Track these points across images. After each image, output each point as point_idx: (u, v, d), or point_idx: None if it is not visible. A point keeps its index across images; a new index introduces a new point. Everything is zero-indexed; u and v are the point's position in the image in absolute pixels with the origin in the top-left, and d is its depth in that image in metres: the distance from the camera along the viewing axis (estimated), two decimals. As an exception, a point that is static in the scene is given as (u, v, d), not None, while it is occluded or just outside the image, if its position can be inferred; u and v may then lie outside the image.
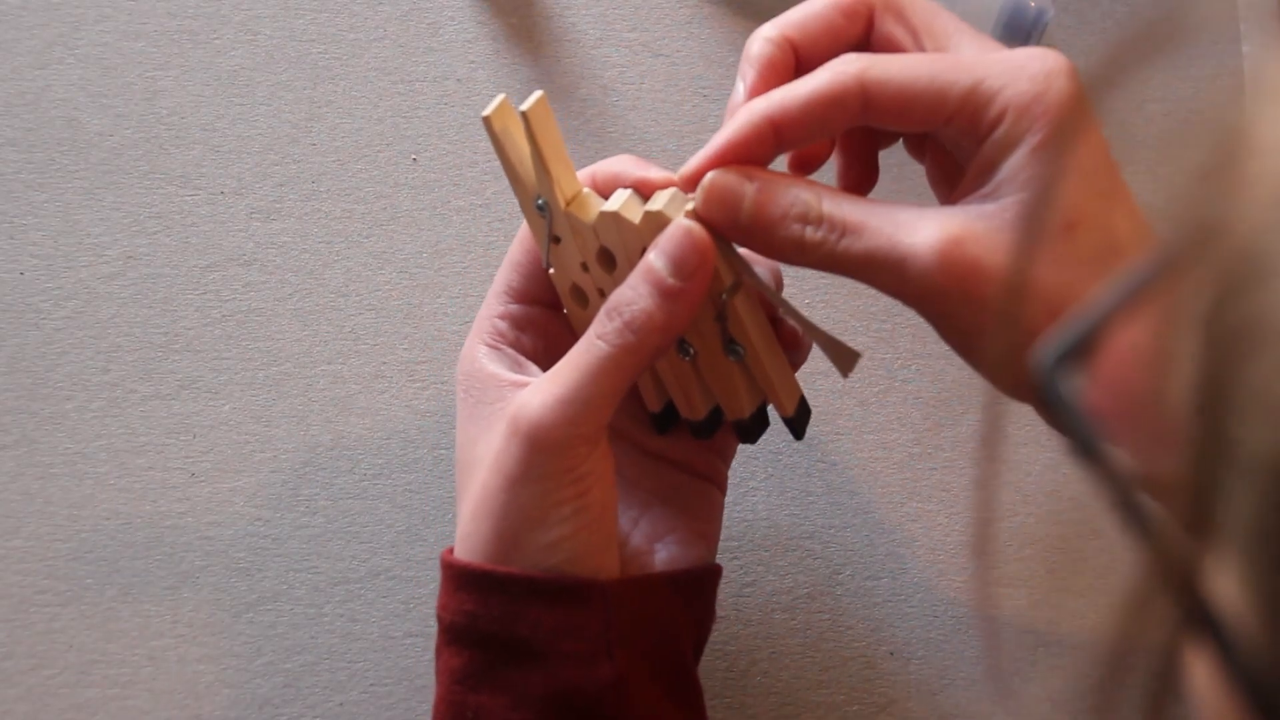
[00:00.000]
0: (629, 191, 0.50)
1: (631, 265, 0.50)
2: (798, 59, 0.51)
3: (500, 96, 0.51)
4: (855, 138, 0.54)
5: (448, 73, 0.68)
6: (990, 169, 0.47)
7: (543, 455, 0.49)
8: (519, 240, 0.54)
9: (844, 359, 0.50)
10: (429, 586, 0.61)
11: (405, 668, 0.60)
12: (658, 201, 0.49)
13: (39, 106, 0.67)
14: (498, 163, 0.66)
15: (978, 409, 0.63)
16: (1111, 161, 0.47)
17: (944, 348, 0.64)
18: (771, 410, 0.54)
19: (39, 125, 0.67)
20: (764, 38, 0.51)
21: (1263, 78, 0.26)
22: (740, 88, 0.51)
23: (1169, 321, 0.26)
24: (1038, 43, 0.65)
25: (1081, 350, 0.28)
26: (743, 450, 0.62)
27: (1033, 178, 0.45)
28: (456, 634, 0.51)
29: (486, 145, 0.66)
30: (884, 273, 0.47)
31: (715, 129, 0.49)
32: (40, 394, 0.63)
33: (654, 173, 0.51)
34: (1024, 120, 0.46)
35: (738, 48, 0.68)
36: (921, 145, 0.53)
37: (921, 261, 0.46)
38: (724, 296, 0.50)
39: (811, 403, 0.63)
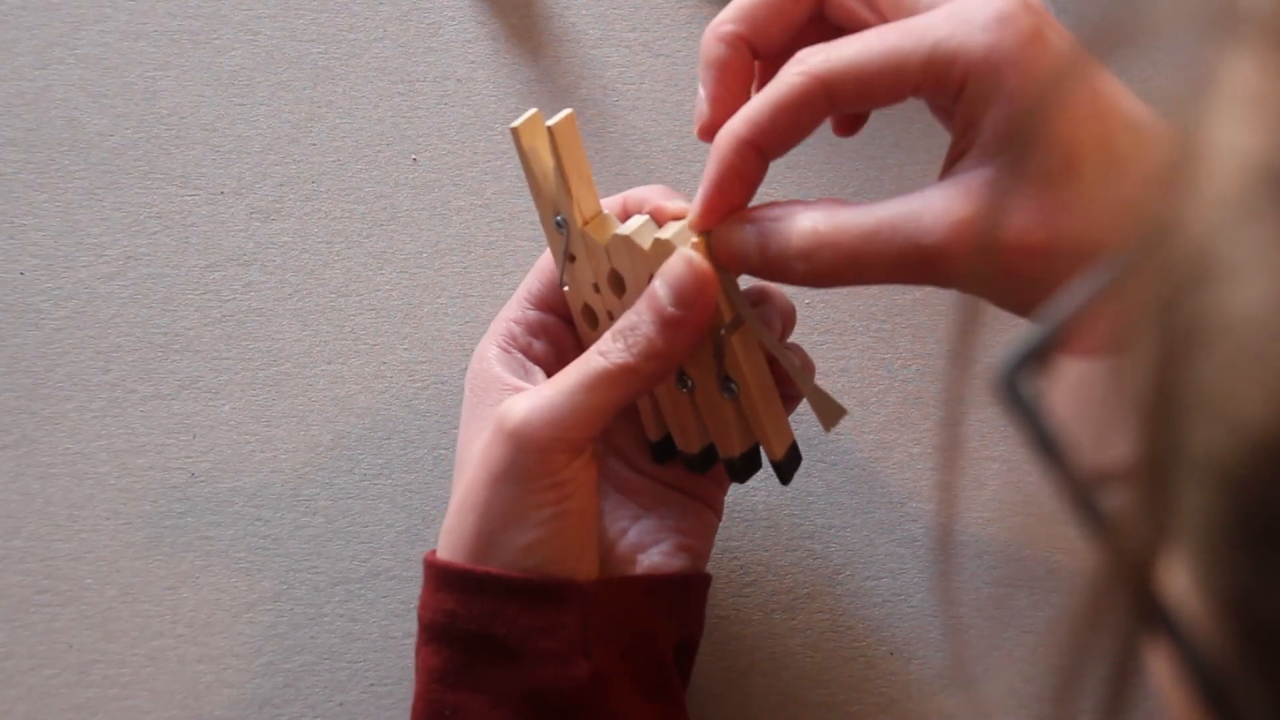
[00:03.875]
0: (645, 218, 0.51)
1: (640, 291, 0.50)
2: (753, 51, 0.50)
3: (533, 110, 0.51)
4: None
5: (448, 73, 0.68)
6: (972, 128, 0.45)
7: (526, 455, 0.49)
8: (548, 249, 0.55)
9: (829, 413, 0.50)
10: (429, 586, 0.61)
11: (405, 668, 0.60)
12: (668, 230, 0.50)
13: (39, 106, 0.67)
14: (497, 163, 0.66)
15: (977, 409, 0.63)
16: (1094, 75, 0.45)
17: (944, 347, 0.64)
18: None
19: (39, 125, 0.67)
20: (716, 38, 0.50)
21: (1213, 78, 0.26)
22: (702, 95, 0.51)
23: (1123, 322, 0.26)
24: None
25: (1042, 353, 0.29)
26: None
27: (1010, 131, 0.44)
28: (435, 633, 0.52)
29: (486, 146, 0.66)
30: (913, 273, 0.47)
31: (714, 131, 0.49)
32: (40, 394, 0.63)
33: (673, 204, 0.51)
34: (989, 76, 0.44)
35: (738, 48, 0.68)
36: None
37: (947, 253, 0.45)
38: (722, 333, 0.50)
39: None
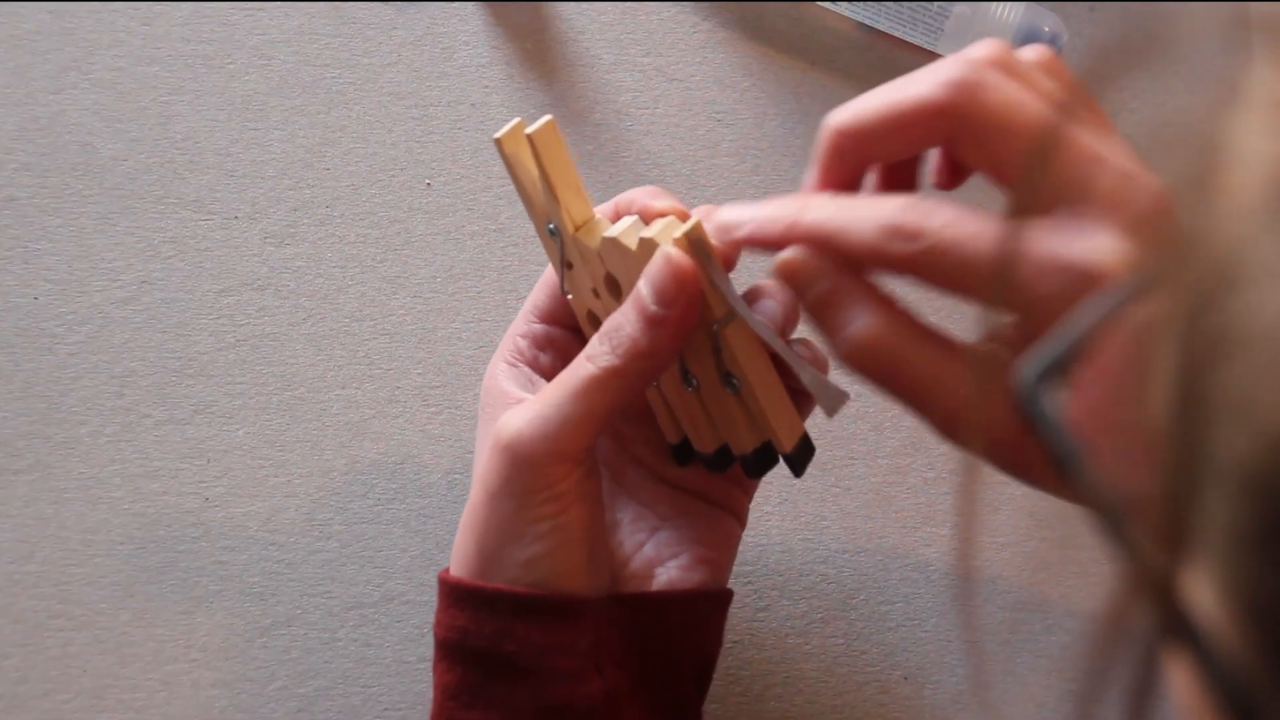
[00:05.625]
0: (633, 218, 0.50)
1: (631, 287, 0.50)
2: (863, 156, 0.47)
3: (515, 120, 0.51)
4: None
5: (462, 97, 0.68)
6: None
7: (520, 470, 0.49)
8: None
9: (831, 399, 0.49)
10: (443, 611, 0.61)
11: (419, 693, 0.60)
12: (654, 228, 0.49)
13: (53, 131, 0.67)
14: (511, 187, 0.66)
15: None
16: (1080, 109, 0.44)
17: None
18: None
19: (53, 150, 0.67)
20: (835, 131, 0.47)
21: (1239, 87, 0.26)
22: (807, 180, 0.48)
23: (1147, 333, 0.26)
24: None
25: (1063, 366, 0.29)
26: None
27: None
28: (449, 650, 0.51)
29: (501, 170, 0.66)
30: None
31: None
32: (54, 419, 0.63)
33: (660, 202, 0.51)
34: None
35: (751, 72, 0.68)
36: None
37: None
38: (715, 328, 0.49)
39: (825, 427, 0.63)
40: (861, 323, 0.43)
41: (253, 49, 0.69)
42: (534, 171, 0.51)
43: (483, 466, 0.51)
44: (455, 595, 0.51)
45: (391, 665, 0.61)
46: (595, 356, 0.48)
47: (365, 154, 0.67)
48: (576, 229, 0.51)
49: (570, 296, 0.53)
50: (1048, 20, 0.65)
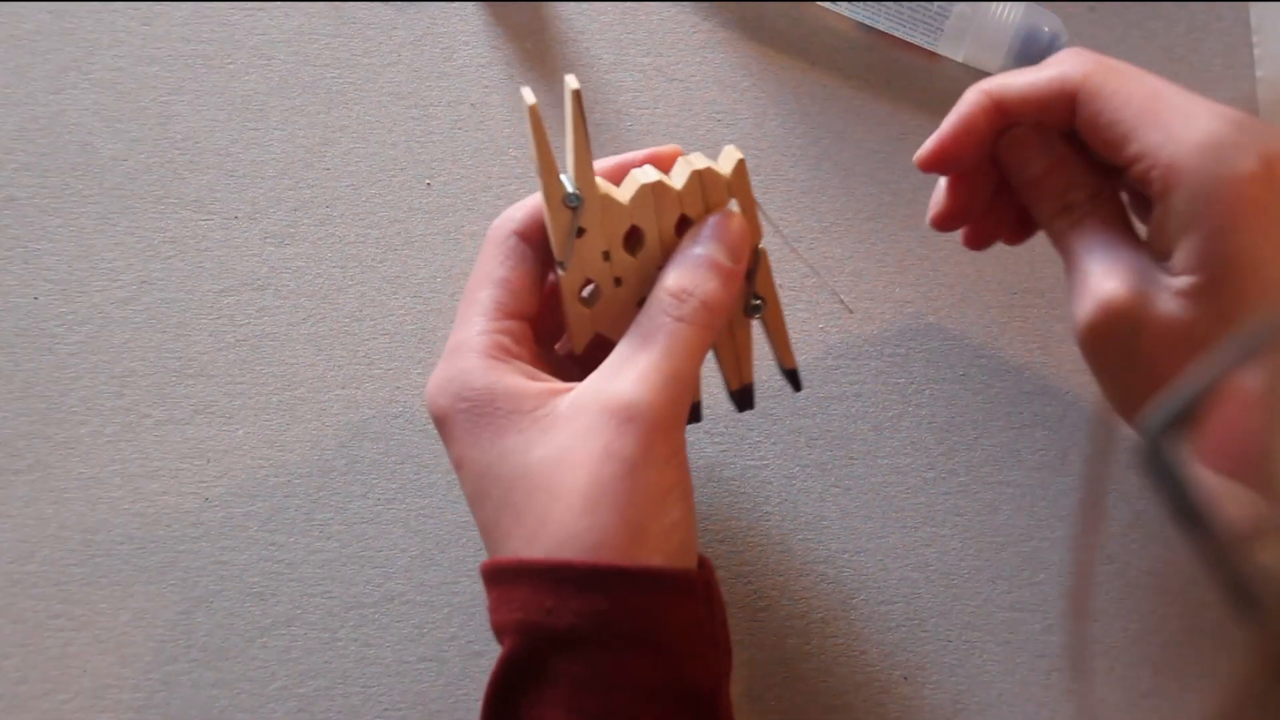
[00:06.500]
0: (648, 168, 0.53)
1: (662, 242, 0.53)
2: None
3: (529, 94, 0.51)
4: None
5: (462, 97, 0.68)
6: (1165, 235, 0.50)
7: (659, 436, 0.49)
8: (496, 260, 0.54)
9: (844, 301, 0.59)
10: (443, 611, 0.61)
11: (419, 692, 0.60)
12: (688, 165, 0.53)
13: (53, 131, 0.67)
14: (512, 187, 0.66)
15: (991, 433, 0.63)
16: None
17: (958, 372, 0.64)
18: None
19: (53, 150, 0.67)
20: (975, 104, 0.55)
21: None
22: (941, 186, 0.58)
23: (1276, 383, 0.26)
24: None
25: (1189, 416, 0.28)
26: (757, 475, 0.63)
27: (1204, 267, 0.48)
28: (578, 637, 0.48)
29: (500, 170, 0.67)
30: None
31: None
32: (54, 419, 0.63)
33: (653, 150, 0.55)
34: (1190, 197, 0.49)
35: (751, 72, 0.68)
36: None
37: (1081, 322, 0.50)
38: (760, 247, 0.54)
39: (825, 427, 0.63)
40: None
41: (253, 49, 0.69)
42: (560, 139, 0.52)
43: (594, 446, 0.49)
44: (590, 579, 0.48)
45: (391, 665, 0.61)
46: (686, 315, 0.51)
47: (365, 154, 0.67)
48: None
49: (561, 273, 0.53)
50: (1048, 20, 0.65)
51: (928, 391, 0.64)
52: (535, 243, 0.54)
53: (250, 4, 0.69)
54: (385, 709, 0.60)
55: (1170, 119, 0.50)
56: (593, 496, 0.48)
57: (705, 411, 0.62)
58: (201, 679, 0.61)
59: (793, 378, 0.58)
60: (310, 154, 0.67)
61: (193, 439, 0.63)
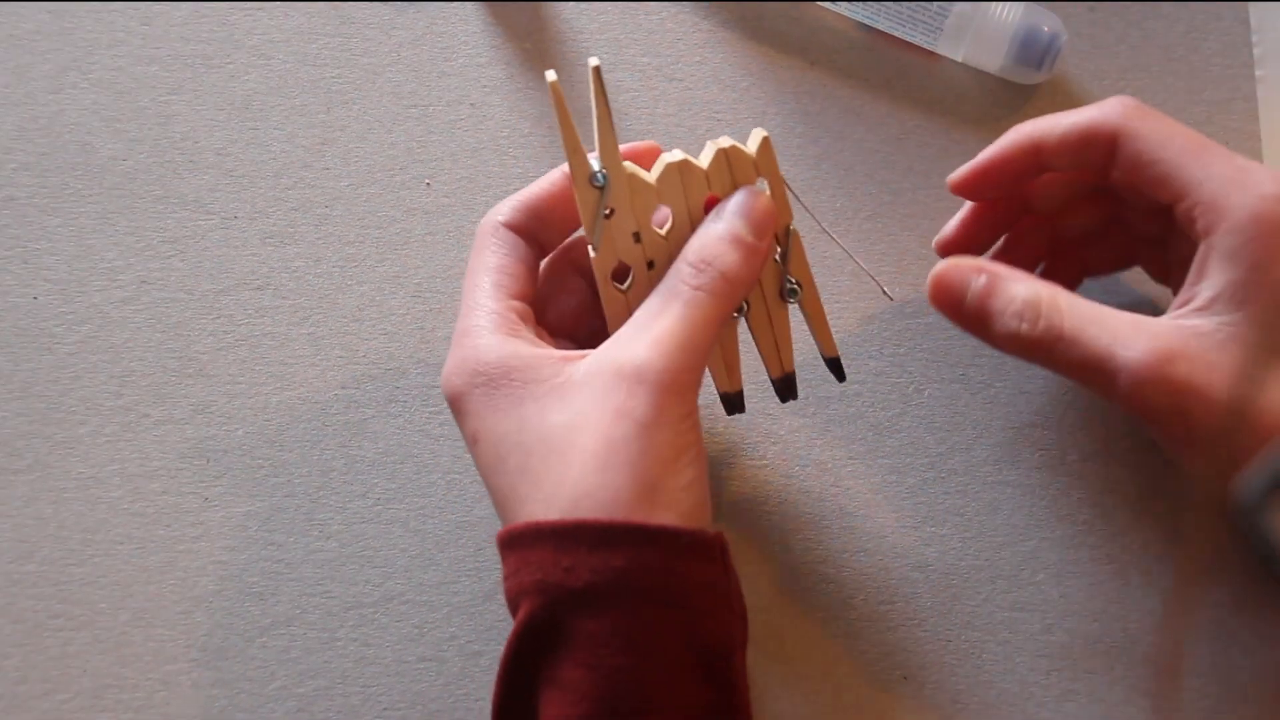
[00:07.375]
0: (676, 150, 0.54)
1: (692, 222, 0.54)
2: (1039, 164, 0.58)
3: (551, 74, 0.52)
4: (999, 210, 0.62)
5: (461, 97, 0.68)
6: (1206, 276, 0.52)
7: (671, 398, 0.50)
8: (488, 249, 0.55)
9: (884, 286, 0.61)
10: (442, 611, 0.61)
11: (419, 692, 0.60)
12: (717, 145, 0.54)
13: (53, 131, 0.67)
14: (511, 187, 0.66)
15: (991, 433, 0.63)
16: None
17: (958, 372, 0.64)
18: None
19: (53, 150, 0.67)
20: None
21: None
22: (955, 220, 0.62)
23: None
24: (1050, 67, 0.65)
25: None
26: (755, 476, 0.63)
27: (1248, 300, 0.50)
28: (596, 594, 0.49)
29: (500, 170, 0.67)
30: (1096, 379, 0.52)
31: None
32: (54, 418, 0.63)
33: (632, 145, 0.56)
34: (1234, 230, 0.51)
35: (750, 71, 0.68)
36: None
37: (1133, 376, 0.51)
38: (791, 228, 0.55)
39: (824, 427, 0.63)
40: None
41: (252, 49, 0.69)
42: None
43: (607, 408, 0.49)
44: (607, 535, 0.49)
45: (391, 665, 0.61)
46: (704, 284, 0.52)
47: (364, 154, 0.67)
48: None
49: (594, 255, 0.53)
50: (1047, 20, 0.65)
51: (928, 391, 0.64)
52: (524, 233, 0.55)
53: (250, 4, 0.69)
54: (385, 709, 0.60)
55: (1211, 159, 0.52)
56: (604, 456, 0.49)
57: (708, 409, 0.62)
58: (201, 679, 0.60)
59: (835, 367, 0.58)
60: (309, 154, 0.67)
61: (192, 439, 0.63)
